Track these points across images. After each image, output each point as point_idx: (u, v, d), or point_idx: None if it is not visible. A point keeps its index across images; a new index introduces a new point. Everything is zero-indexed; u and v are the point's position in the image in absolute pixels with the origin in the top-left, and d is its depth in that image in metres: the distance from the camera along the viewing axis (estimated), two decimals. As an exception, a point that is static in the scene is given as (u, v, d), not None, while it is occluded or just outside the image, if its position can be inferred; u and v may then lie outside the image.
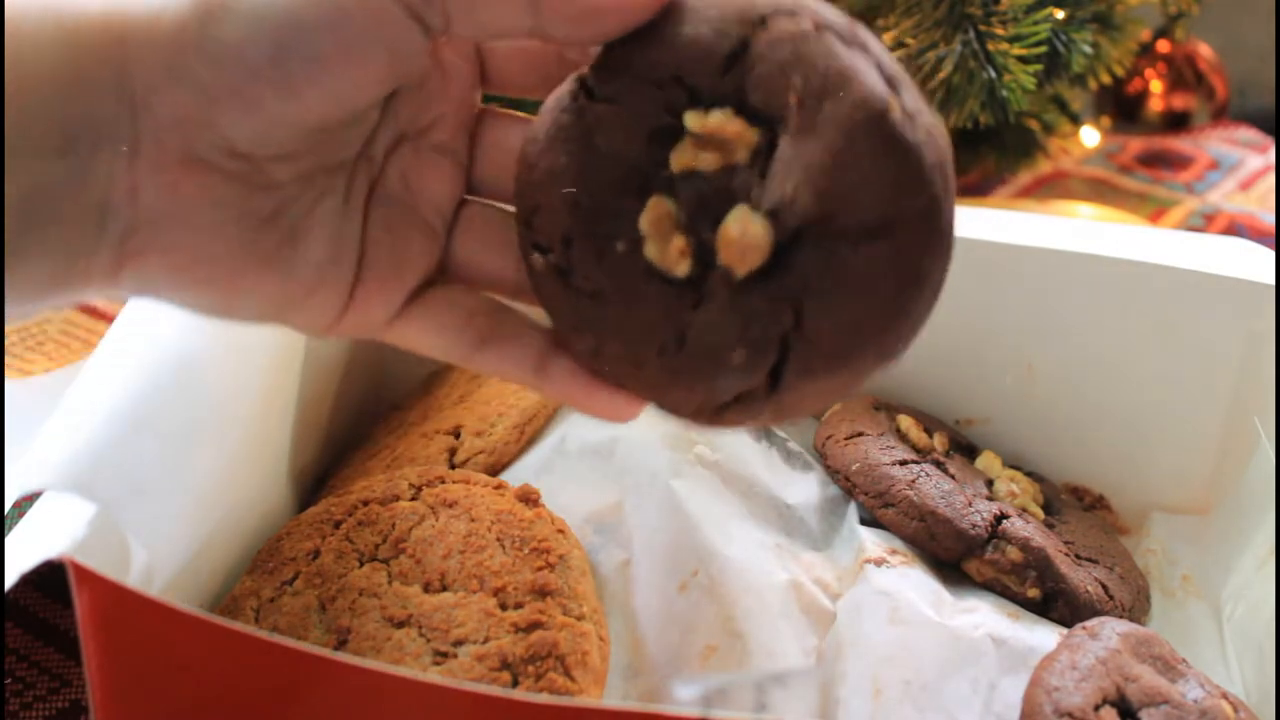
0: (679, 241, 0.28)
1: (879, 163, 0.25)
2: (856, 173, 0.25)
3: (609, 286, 0.28)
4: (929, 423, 0.50)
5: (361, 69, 0.26)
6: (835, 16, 0.27)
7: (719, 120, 0.27)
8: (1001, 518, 0.44)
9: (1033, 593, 0.42)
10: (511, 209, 0.31)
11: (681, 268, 0.28)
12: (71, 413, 0.39)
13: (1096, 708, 0.36)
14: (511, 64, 0.31)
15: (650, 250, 0.28)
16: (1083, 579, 0.44)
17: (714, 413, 0.29)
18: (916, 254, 0.26)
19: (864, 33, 0.27)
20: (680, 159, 0.28)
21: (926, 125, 0.26)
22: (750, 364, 0.27)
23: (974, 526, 0.43)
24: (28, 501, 0.35)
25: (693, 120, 0.27)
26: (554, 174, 0.29)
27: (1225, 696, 0.38)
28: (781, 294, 0.26)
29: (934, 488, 0.44)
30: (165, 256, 0.27)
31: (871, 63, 0.26)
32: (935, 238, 0.26)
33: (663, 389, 0.29)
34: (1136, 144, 0.89)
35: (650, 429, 0.45)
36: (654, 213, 0.28)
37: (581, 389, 0.30)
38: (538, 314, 0.31)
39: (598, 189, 0.28)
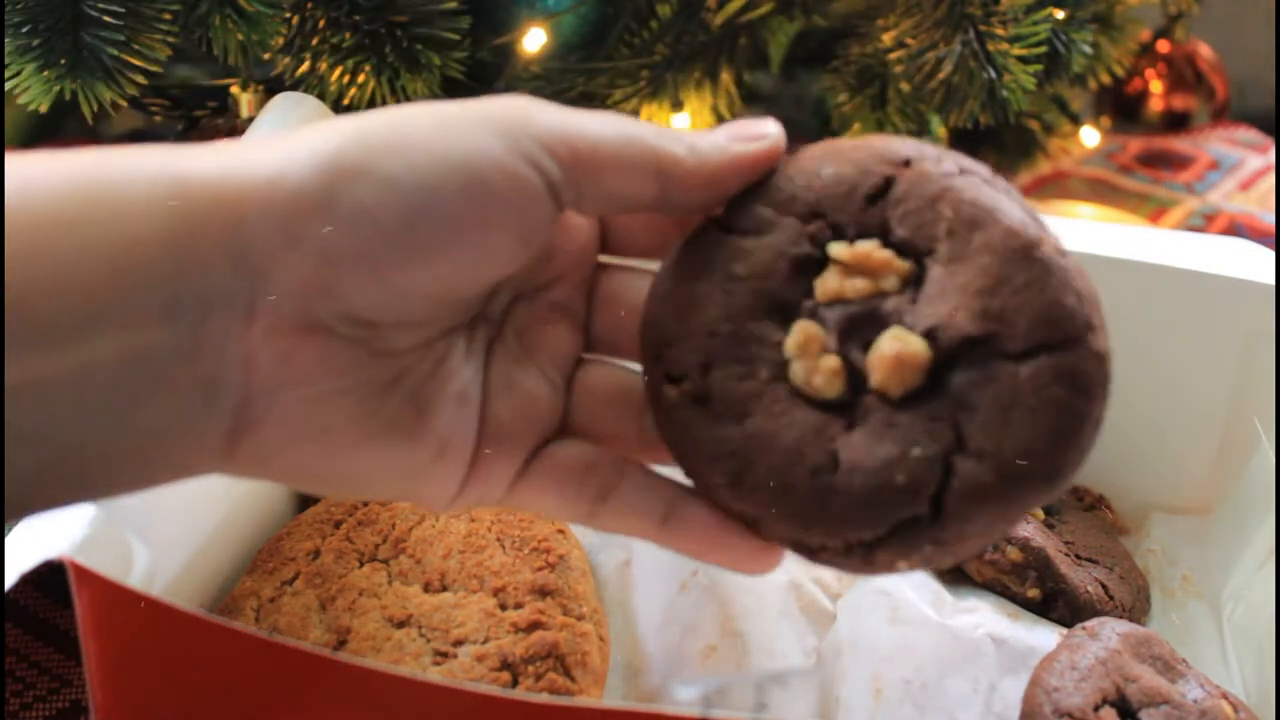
0: (830, 361, 0.27)
1: (1036, 285, 0.26)
2: (1014, 295, 0.26)
3: (753, 410, 0.27)
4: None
5: (496, 240, 0.26)
6: (976, 164, 0.28)
7: (867, 248, 0.27)
8: (1001, 518, 0.44)
9: (1033, 593, 0.42)
10: (633, 366, 0.30)
11: (832, 389, 0.26)
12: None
13: (1096, 708, 0.36)
14: (633, 226, 0.31)
15: (797, 372, 0.27)
16: (1083, 579, 0.44)
17: (868, 549, 0.26)
18: (1081, 377, 0.26)
19: (1005, 182, 0.28)
20: (826, 287, 0.27)
21: (1075, 260, 0.27)
22: (914, 484, 0.25)
23: (974, 526, 0.43)
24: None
25: (838, 250, 0.27)
26: (690, 303, 0.28)
27: (1225, 696, 0.38)
28: (941, 414, 0.26)
29: (934, 488, 0.44)
30: (282, 429, 0.25)
31: (1015, 202, 0.27)
32: (1098, 362, 0.26)
33: (811, 519, 0.27)
34: (1136, 144, 0.89)
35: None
36: (802, 334, 0.27)
37: (715, 538, 0.28)
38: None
39: (738, 315, 0.28)
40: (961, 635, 0.40)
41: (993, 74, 0.58)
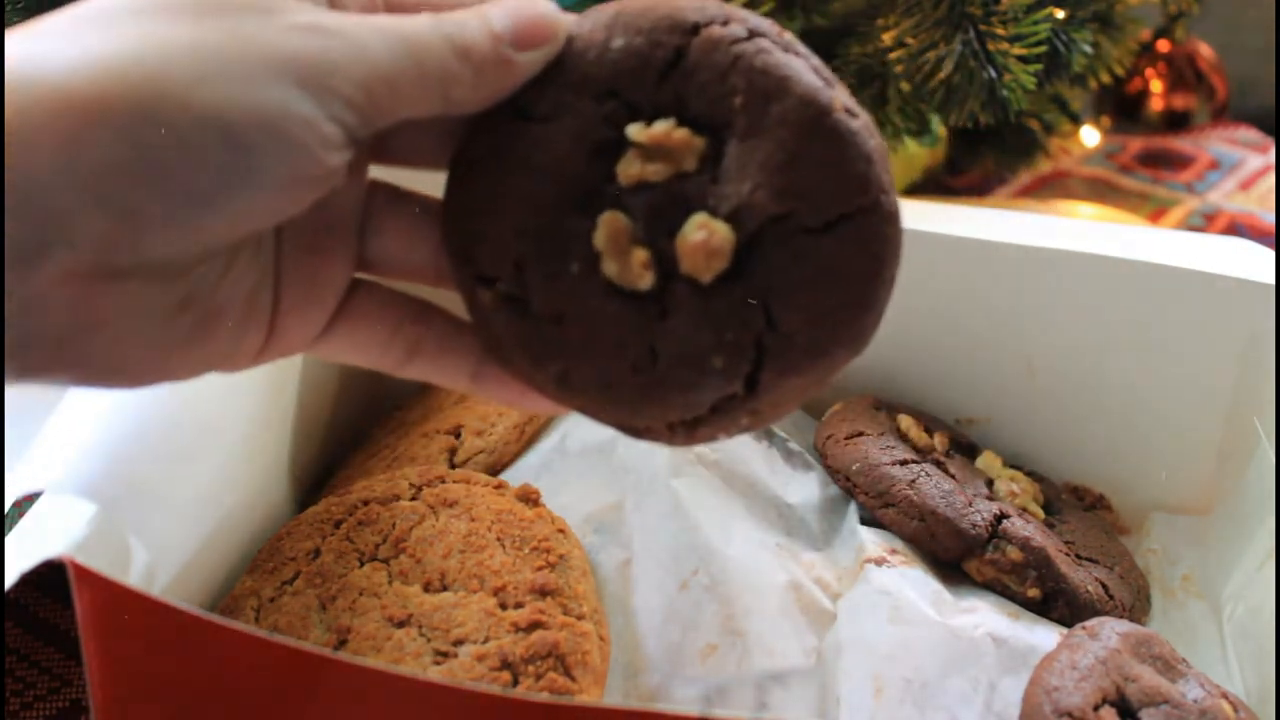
0: (640, 255, 0.27)
1: (832, 157, 0.26)
2: (811, 169, 0.26)
3: (569, 309, 0.28)
4: (929, 422, 0.50)
5: (299, 190, 0.26)
6: (764, 22, 0.28)
7: (664, 129, 0.27)
8: (1002, 517, 0.44)
9: (1033, 593, 0.42)
10: (419, 193, 0.30)
11: (644, 281, 0.27)
12: (71, 413, 0.39)
13: (1096, 707, 0.36)
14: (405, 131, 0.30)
15: (609, 267, 0.27)
16: (1083, 579, 0.44)
17: (689, 426, 0.28)
18: (877, 241, 0.26)
19: (792, 37, 0.28)
20: (628, 172, 0.28)
21: (864, 119, 0.27)
22: (729, 368, 0.27)
23: (974, 526, 0.43)
24: (28, 501, 0.35)
25: (636, 132, 0.27)
26: (493, 197, 0.28)
27: (1225, 696, 0.38)
28: (750, 295, 0.27)
29: (934, 488, 0.44)
30: (74, 370, 0.25)
31: (807, 65, 0.27)
32: (890, 223, 0.27)
33: (637, 407, 0.28)
34: (1136, 144, 0.89)
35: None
36: (609, 228, 0.27)
37: (518, 392, 0.30)
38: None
39: (544, 210, 0.28)
40: (961, 635, 0.40)
41: (993, 74, 0.58)
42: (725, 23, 0.27)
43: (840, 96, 0.27)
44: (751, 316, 0.26)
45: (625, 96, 0.28)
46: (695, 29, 0.27)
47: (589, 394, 0.28)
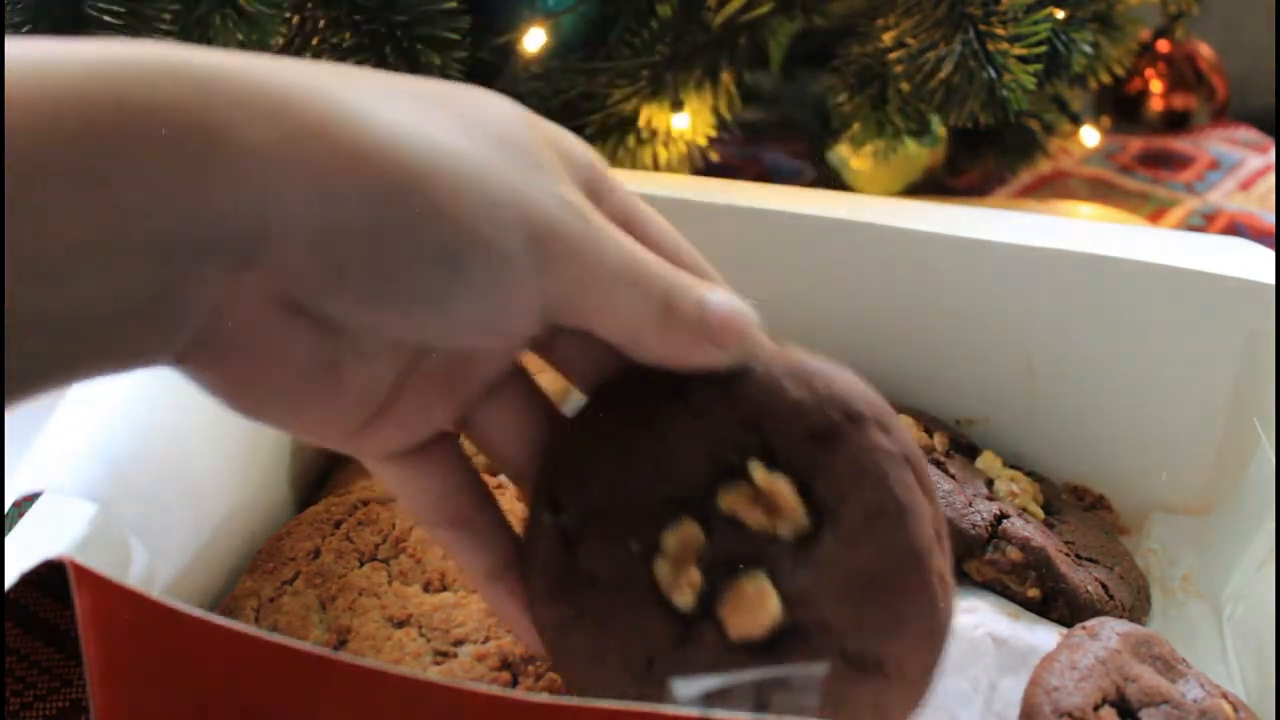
0: (694, 575, 0.27)
1: (906, 612, 0.27)
2: (882, 610, 0.27)
3: (606, 577, 0.28)
4: (929, 423, 0.50)
5: (478, 336, 0.26)
6: (918, 453, 0.29)
7: (782, 489, 0.27)
8: (1001, 518, 0.44)
9: (1033, 593, 0.42)
10: (547, 395, 0.31)
11: (684, 600, 0.27)
12: (71, 413, 0.39)
13: (1096, 708, 0.36)
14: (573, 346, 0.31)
15: (661, 568, 0.28)
16: (1083, 579, 0.44)
17: None
18: (896, 705, 0.27)
19: (936, 477, 0.29)
20: (729, 499, 0.28)
21: (949, 590, 0.28)
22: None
23: (974, 526, 0.43)
24: (28, 501, 0.35)
25: (759, 472, 0.28)
26: (602, 447, 0.29)
27: (1225, 696, 0.38)
28: (761, 676, 0.27)
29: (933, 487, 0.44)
30: (220, 376, 0.26)
31: (928, 515, 0.28)
32: (915, 696, 0.27)
33: (608, 693, 0.28)
34: (1136, 144, 0.89)
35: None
36: (682, 536, 0.28)
37: (516, 617, 0.30)
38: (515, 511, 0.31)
39: (640, 482, 0.28)
40: (961, 635, 0.40)
41: (993, 74, 0.58)
42: (887, 431, 0.28)
43: (941, 563, 0.27)
44: (748, 692, 0.27)
45: (767, 436, 0.28)
46: (859, 420, 0.28)
47: (575, 656, 0.28)
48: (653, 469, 0.28)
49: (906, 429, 0.29)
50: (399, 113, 0.24)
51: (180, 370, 0.26)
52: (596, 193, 0.28)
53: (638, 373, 0.29)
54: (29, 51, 0.21)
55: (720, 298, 0.28)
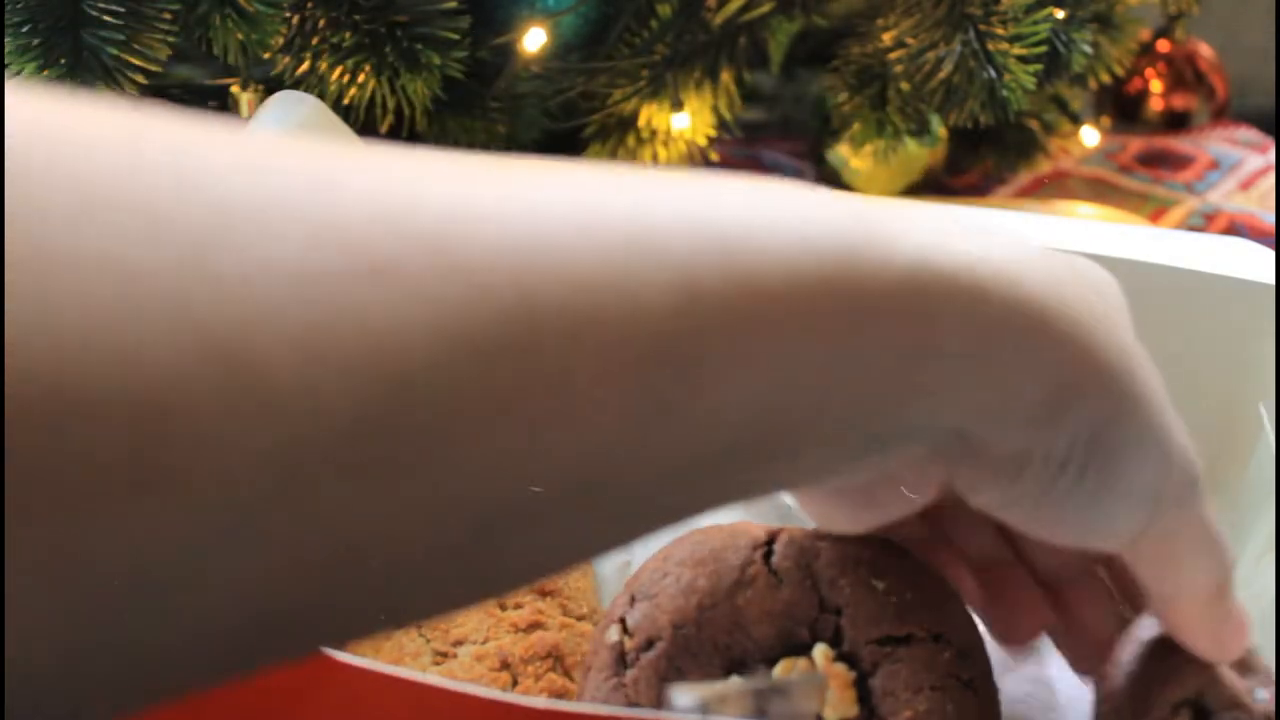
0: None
1: None
2: None
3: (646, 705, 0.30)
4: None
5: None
6: (989, 682, 0.31)
7: (841, 679, 0.29)
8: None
9: (1033, 593, 0.42)
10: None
11: None
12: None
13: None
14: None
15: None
16: (1083, 579, 0.44)
17: None
18: None
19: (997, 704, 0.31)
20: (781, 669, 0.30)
21: None
22: None
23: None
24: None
25: (822, 658, 0.30)
26: (682, 583, 0.31)
27: None
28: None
29: (934, 488, 0.44)
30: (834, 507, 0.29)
31: None
32: None
33: None
34: (1136, 144, 0.89)
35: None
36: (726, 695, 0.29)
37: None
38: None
39: (706, 633, 0.30)
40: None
41: (993, 74, 0.58)
42: (963, 657, 0.30)
43: None
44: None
45: (843, 625, 0.30)
46: (937, 640, 0.30)
47: None
48: (726, 621, 0.30)
49: (988, 659, 0.31)
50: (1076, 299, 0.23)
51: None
52: None
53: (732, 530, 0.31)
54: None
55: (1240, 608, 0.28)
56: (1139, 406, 0.23)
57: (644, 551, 0.41)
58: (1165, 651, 0.29)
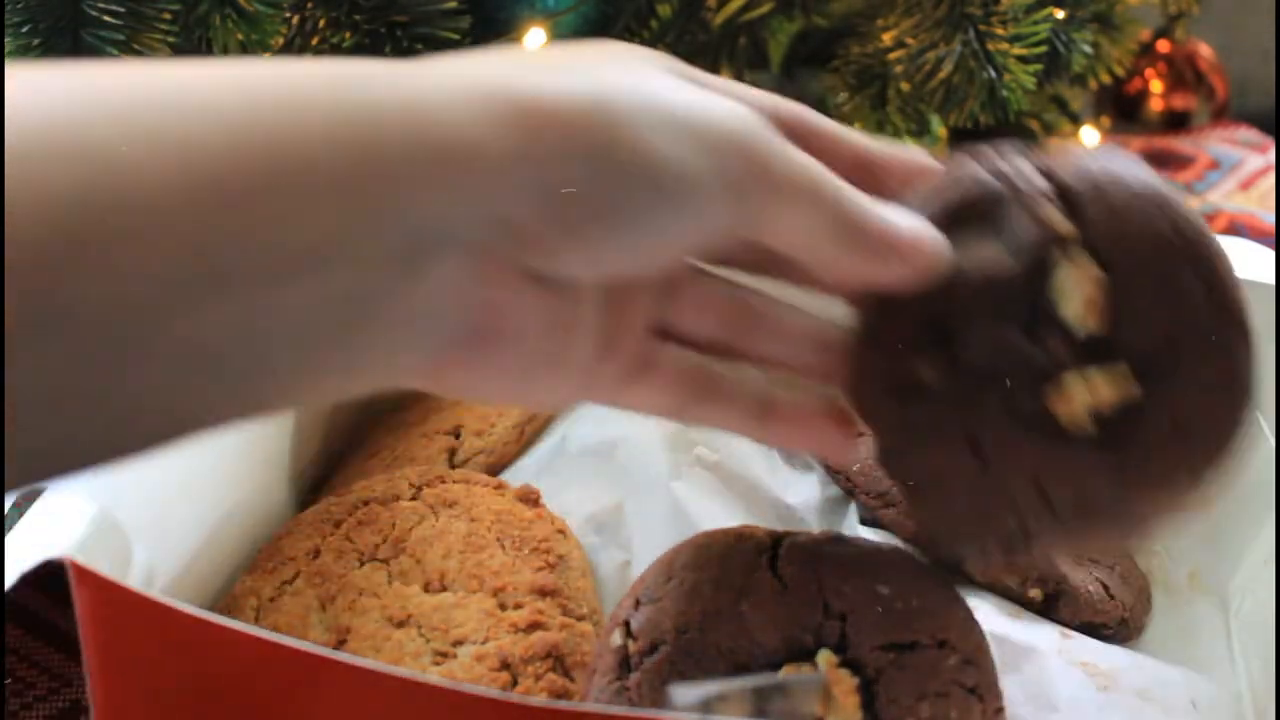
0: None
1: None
2: None
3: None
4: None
5: (685, 247, 0.27)
6: (995, 689, 0.32)
7: (845, 684, 0.30)
8: (1002, 518, 0.44)
9: (1033, 593, 0.42)
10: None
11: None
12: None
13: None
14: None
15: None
16: (1083, 579, 0.44)
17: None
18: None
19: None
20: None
21: None
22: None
23: (974, 526, 0.43)
24: (28, 501, 0.35)
25: (826, 664, 0.31)
26: (686, 588, 0.31)
27: None
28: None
29: (934, 488, 0.44)
30: (476, 371, 0.26)
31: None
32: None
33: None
34: (1136, 144, 0.89)
35: (651, 430, 0.45)
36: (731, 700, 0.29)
37: (809, 426, 0.31)
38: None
39: (709, 638, 0.30)
40: (962, 635, 0.40)
41: (993, 74, 0.58)
42: (969, 664, 0.31)
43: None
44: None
45: (847, 631, 0.31)
46: (941, 646, 0.31)
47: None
48: (730, 626, 0.30)
49: (993, 665, 0.31)
50: (569, 72, 0.25)
51: (425, 380, 0.27)
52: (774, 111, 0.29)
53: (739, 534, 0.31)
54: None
55: (910, 219, 0.28)
56: (619, 123, 0.25)
57: (642, 549, 0.42)
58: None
